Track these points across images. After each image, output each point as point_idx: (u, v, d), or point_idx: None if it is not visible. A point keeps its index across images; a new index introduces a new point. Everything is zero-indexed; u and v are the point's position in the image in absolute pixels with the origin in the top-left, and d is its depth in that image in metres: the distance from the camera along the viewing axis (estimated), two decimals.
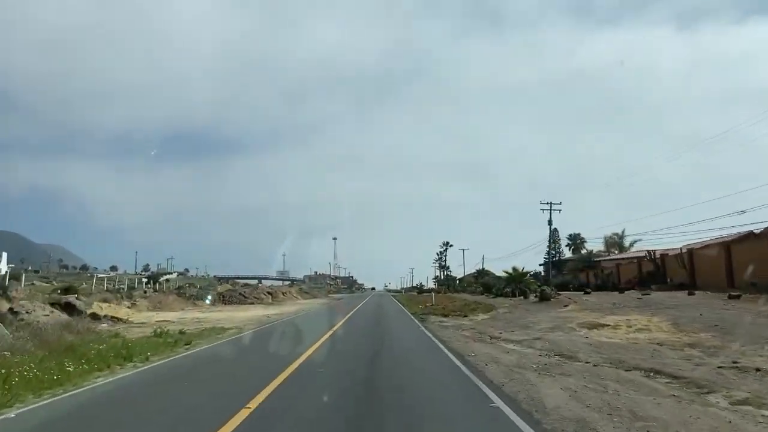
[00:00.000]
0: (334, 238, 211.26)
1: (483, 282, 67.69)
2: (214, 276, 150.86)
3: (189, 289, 50.45)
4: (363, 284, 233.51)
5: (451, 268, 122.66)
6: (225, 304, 46.39)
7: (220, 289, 55.51)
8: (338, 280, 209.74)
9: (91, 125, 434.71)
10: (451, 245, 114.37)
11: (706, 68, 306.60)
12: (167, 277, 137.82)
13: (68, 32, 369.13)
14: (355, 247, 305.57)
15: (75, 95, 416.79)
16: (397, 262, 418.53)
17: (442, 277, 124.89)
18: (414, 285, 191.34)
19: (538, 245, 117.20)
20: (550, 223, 57.83)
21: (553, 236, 79.16)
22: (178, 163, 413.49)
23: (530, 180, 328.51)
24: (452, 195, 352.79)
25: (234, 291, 53.16)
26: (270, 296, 56.64)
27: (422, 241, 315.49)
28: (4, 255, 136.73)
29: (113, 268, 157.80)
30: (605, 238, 69.11)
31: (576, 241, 78.37)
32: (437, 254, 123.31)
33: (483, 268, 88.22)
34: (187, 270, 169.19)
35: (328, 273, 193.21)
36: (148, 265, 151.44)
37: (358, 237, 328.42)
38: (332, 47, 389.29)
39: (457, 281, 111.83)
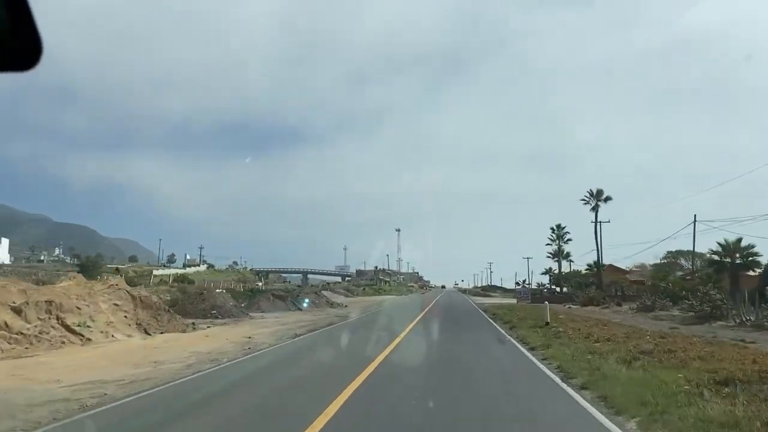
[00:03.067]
0: (398, 230, 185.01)
1: None
2: (251, 269, 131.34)
3: None
4: (428, 281, 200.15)
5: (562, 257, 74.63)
6: None
7: None
8: (400, 276, 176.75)
9: (151, 117, 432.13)
10: (607, 198, 55.21)
11: None
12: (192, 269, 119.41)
13: (122, 20, 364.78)
14: (423, 243, 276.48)
15: (133, 84, 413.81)
16: (468, 258, 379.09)
17: (559, 270, 75.32)
18: (490, 284, 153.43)
19: None
20: None
21: None
22: (241, 154, 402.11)
23: (624, 169, 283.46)
24: (532, 186, 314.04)
25: None
26: None
27: (500, 237, 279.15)
28: (5, 241, 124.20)
29: (132, 259, 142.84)
30: None
31: None
32: (553, 230, 71.83)
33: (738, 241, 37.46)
34: (235, 263, 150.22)
35: (385, 268, 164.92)
36: (173, 255, 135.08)
37: (427, 232, 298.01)
38: (394, 22, 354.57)
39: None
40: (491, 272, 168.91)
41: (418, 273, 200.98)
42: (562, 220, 76.87)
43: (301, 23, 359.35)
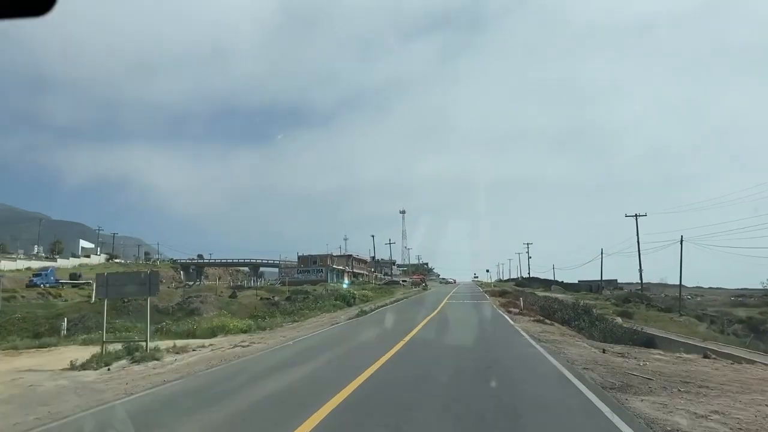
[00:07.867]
0: (402, 212, 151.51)
1: None
2: (173, 261, 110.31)
3: None
4: (438, 272, 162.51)
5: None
6: None
7: None
8: (396, 267, 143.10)
9: (140, 102, 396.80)
10: None
11: None
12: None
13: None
14: (437, 232, 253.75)
15: (116, 64, 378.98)
16: (491, 249, 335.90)
17: None
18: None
19: None
20: None
21: None
22: (232, 143, 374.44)
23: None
24: (562, 171, 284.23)
25: None
26: None
27: (530, 227, 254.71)
28: None
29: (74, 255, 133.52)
30: None
31: None
32: None
33: None
34: (200, 256, 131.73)
35: (353, 255, 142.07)
36: (59, 242, 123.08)
37: (442, 220, 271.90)
38: None
39: None
40: (530, 258, 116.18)
41: (427, 264, 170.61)
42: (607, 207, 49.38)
43: None
